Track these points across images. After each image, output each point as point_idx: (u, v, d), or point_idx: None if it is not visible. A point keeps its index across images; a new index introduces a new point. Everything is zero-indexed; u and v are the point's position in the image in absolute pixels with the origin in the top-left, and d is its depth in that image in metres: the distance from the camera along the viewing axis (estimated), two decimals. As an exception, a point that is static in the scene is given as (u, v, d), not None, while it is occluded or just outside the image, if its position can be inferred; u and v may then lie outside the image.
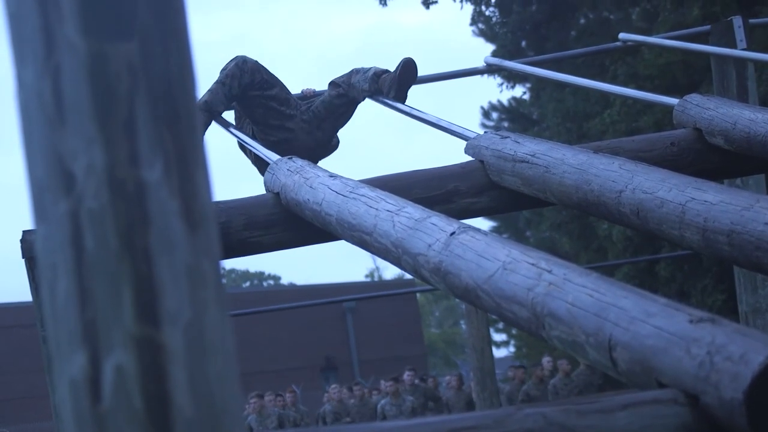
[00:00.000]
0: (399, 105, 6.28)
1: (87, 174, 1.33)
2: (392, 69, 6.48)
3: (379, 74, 6.39)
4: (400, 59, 6.40)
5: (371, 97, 6.44)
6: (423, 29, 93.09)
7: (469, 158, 5.29)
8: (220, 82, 6.23)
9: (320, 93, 6.68)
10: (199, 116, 1.43)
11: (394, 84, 6.30)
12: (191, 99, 1.41)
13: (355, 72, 6.55)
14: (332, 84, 6.57)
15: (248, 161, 6.45)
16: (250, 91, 6.29)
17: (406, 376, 16.30)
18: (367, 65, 6.67)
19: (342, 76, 6.59)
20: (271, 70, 6.58)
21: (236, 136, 6.24)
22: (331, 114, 6.55)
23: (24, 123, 1.38)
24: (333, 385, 17.13)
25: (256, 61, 6.42)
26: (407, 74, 6.36)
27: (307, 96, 6.71)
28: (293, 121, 6.42)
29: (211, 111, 6.20)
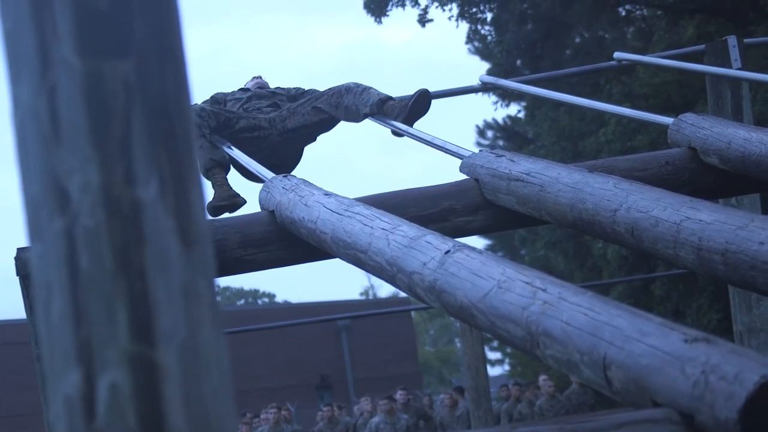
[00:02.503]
0: (395, 123, 6.26)
1: (82, 192, 1.33)
2: (381, 89, 6.47)
3: (384, 100, 6.33)
4: (417, 89, 6.31)
5: (373, 118, 6.42)
6: (408, 47, 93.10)
7: (464, 177, 5.29)
8: (198, 137, 6.28)
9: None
10: (194, 135, 1.43)
11: (404, 111, 6.23)
12: (187, 117, 1.41)
13: (345, 91, 6.49)
14: (316, 109, 6.55)
15: (242, 178, 6.49)
16: (222, 131, 6.39)
17: (399, 395, 16.34)
18: (355, 80, 6.66)
19: (327, 97, 6.55)
20: (224, 92, 6.94)
21: (232, 156, 6.24)
22: (310, 130, 6.62)
23: (19, 141, 1.39)
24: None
25: (210, 103, 6.71)
26: (420, 104, 6.25)
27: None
28: (267, 141, 6.52)
29: (217, 161, 6.26)
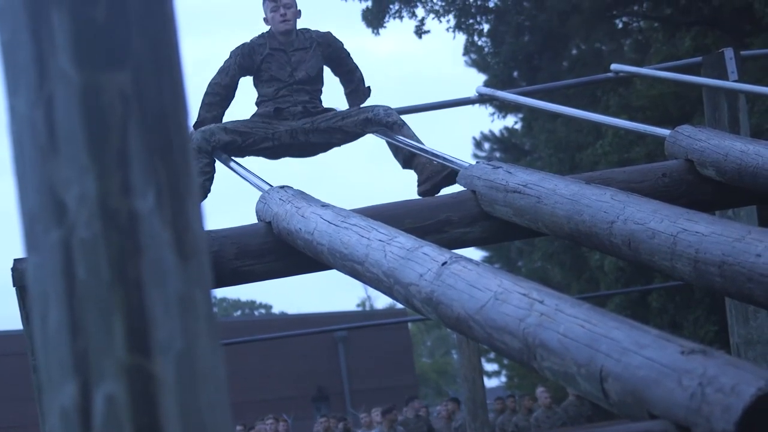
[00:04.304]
0: (398, 137, 6.24)
1: (79, 203, 1.33)
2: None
3: (415, 154, 6.25)
4: (448, 170, 6.01)
5: (377, 133, 6.38)
6: (397, 59, 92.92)
7: (461, 188, 5.30)
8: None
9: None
10: (190, 146, 1.43)
11: (428, 183, 6.09)
12: (184, 129, 1.41)
13: (374, 120, 6.31)
14: (342, 131, 6.40)
15: (241, 185, 6.44)
16: (241, 149, 6.32)
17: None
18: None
19: (354, 121, 6.38)
20: (235, 120, 6.55)
21: (232, 169, 6.19)
22: (335, 143, 6.53)
23: (16, 152, 1.39)
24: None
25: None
26: (446, 183, 6.08)
27: None
28: (288, 148, 6.43)
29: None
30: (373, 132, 6.40)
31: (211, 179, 6.24)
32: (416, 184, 6.24)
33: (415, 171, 6.28)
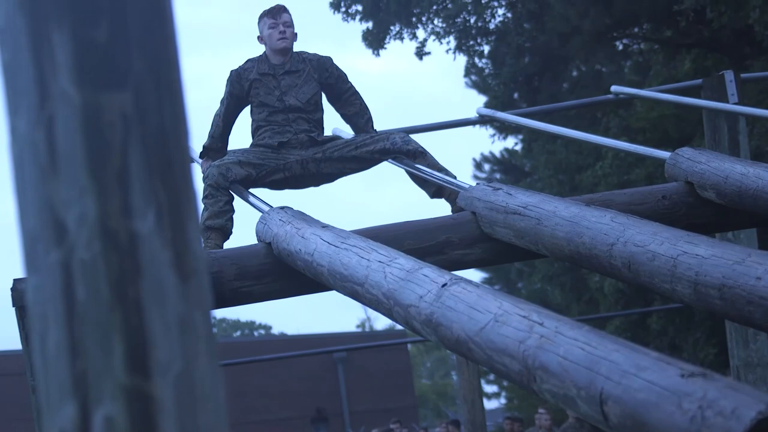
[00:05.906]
0: (415, 164, 6.14)
1: (79, 224, 1.33)
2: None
3: (443, 187, 6.12)
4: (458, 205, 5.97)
5: (393, 160, 6.27)
6: (396, 79, 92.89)
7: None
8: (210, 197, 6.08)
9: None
10: (191, 167, 1.43)
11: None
12: (184, 149, 1.41)
13: (391, 148, 6.24)
14: (356, 159, 6.27)
15: (241, 206, 6.38)
16: (253, 183, 6.21)
17: (394, 428, 16.41)
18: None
19: (370, 151, 6.25)
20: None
21: (251, 203, 6.09)
22: (348, 172, 6.40)
23: (17, 173, 1.38)
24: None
25: (232, 163, 6.20)
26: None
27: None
28: (299, 179, 6.29)
29: (211, 227, 6.07)
30: (391, 160, 6.30)
31: (231, 219, 6.11)
32: (451, 213, 6.12)
33: (448, 201, 6.15)
